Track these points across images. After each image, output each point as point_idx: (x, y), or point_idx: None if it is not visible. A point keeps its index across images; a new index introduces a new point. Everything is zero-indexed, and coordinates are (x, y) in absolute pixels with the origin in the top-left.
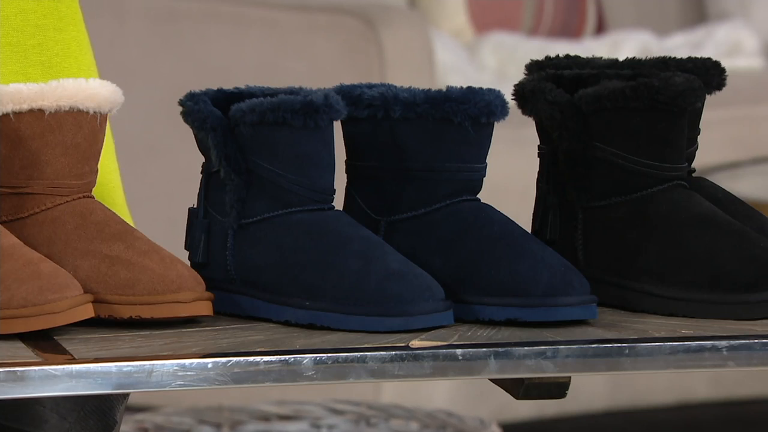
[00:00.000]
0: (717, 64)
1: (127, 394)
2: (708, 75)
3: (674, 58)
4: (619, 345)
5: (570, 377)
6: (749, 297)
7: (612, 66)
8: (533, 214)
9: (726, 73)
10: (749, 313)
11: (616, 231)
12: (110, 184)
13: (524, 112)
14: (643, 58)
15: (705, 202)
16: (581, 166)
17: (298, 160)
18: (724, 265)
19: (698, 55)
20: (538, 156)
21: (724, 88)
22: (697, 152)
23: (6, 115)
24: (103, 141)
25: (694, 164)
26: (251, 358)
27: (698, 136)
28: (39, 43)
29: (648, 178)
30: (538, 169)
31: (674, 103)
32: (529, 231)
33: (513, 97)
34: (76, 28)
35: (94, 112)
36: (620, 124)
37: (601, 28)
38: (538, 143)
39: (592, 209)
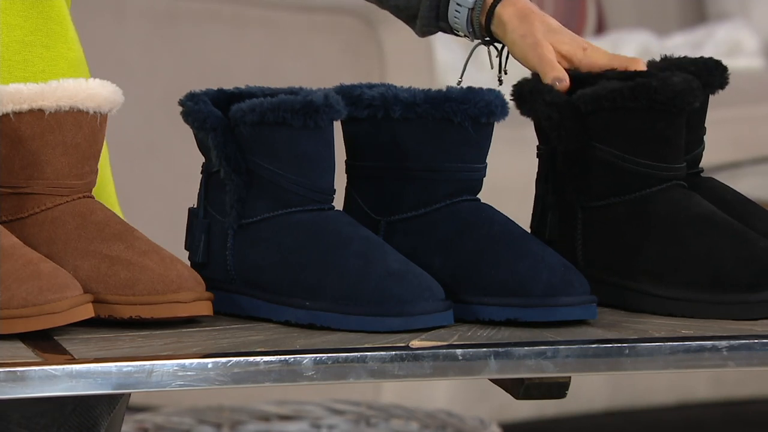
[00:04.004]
0: (718, 63)
1: (113, 409)
2: (711, 75)
3: (675, 58)
4: (619, 345)
5: (570, 377)
6: (749, 297)
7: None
8: (532, 214)
9: (728, 72)
10: (749, 313)
11: (615, 231)
12: (102, 182)
13: (522, 113)
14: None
15: (704, 202)
16: (580, 166)
17: (298, 160)
18: (724, 265)
19: (698, 56)
20: (537, 156)
21: (724, 88)
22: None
23: (6, 115)
24: (103, 141)
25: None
26: (251, 358)
27: (704, 136)
28: (24, 59)
29: (647, 178)
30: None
31: (672, 103)
32: (529, 231)
33: (512, 98)
34: (67, 46)
35: (94, 112)
36: (619, 124)
37: (601, 28)
38: (537, 143)
39: (591, 209)
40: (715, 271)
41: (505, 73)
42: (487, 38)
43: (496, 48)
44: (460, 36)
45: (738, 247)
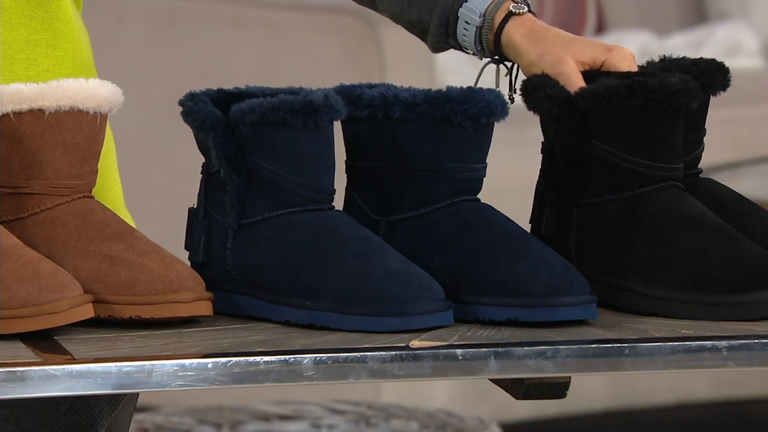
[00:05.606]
0: (720, 64)
1: (115, 409)
2: (712, 76)
3: (675, 59)
4: (619, 345)
5: (570, 377)
6: (730, 298)
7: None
8: (532, 209)
9: (730, 73)
10: (730, 315)
11: (608, 229)
12: (108, 183)
13: (529, 108)
14: (644, 61)
15: (697, 203)
16: (577, 162)
17: (298, 160)
18: (709, 266)
19: (698, 56)
20: (541, 152)
21: (726, 90)
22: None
23: (6, 115)
24: (103, 141)
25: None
26: (251, 358)
27: (704, 137)
28: (28, 57)
29: (642, 177)
30: (538, 168)
31: (668, 103)
32: (529, 228)
33: (520, 93)
34: (74, 47)
35: (94, 112)
36: (616, 122)
37: (601, 28)
38: (542, 140)
39: (586, 206)
40: (698, 272)
41: (515, 92)
42: (496, 57)
43: (505, 66)
44: (470, 54)
45: (724, 249)
